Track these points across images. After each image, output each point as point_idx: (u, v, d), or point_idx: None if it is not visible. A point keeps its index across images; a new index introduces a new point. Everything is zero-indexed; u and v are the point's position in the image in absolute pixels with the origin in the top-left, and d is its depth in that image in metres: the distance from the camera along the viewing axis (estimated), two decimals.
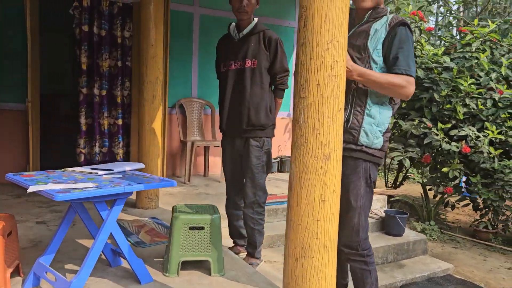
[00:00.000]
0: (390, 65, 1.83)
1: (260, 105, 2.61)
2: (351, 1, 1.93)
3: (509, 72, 5.05)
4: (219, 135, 5.21)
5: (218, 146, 5.00)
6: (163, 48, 4.47)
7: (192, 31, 5.18)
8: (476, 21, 5.15)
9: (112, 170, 2.21)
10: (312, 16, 1.32)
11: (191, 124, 5.15)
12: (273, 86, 2.75)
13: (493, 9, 9.97)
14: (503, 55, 5.27)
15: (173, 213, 2.36)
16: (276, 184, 4.84)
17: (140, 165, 2.37)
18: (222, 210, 3.36)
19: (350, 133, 1.87)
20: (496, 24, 4.99)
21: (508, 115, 4.87)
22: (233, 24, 2.76)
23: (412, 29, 3.18)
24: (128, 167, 2.27)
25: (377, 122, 1.88)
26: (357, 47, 1.87)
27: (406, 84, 1.78)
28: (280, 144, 5.90)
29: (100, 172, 2.15)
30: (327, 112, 1.36)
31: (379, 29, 1.87)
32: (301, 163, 1.40)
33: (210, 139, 5.29)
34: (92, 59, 4.33)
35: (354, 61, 1.84)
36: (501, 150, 4.61)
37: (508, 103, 4.87)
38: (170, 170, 5.20)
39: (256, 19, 2.69)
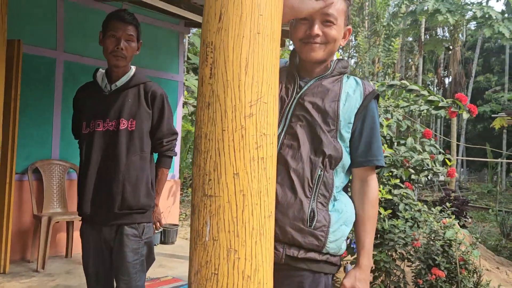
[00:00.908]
0: (362, 151, 1.36)
1: (140, 180, 1.93)
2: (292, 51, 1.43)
3: (390, 132, 5.23)
4: None
5: None
6: (12, 99, 3.57)
7: (54, 80, 4.30)
8: None
9: None
10: (225, 60, 0.78)
11: (50, 192, 4.13)
12: (157, 154, 2.12)
13: (360, 74, 10.96)
14: (379, 115, 5.50)
15: None
16: (159, 262, 4.03)
17: None
18: None
19: (316, 236, 1.28)
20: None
21: (390, 174, 4.97)
22: (102, 71, 2.07)
23: None
24: None
25: (346, 219, 1.34)
26: (324, 113, 1.30)
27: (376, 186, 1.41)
28: (163, 210, 5.13)
29: None
30: (252, 221, 0.79)
31: (352, 95, 1.33)
32: None
33: (75, 210, 4.29)
34: None
35: (318, 133, 1.30)
36: (390, 211, 4.61)
37: (390, 162, 4.98)
38: (19, 253, 4.03)
39: (133, 68, 2.07)
